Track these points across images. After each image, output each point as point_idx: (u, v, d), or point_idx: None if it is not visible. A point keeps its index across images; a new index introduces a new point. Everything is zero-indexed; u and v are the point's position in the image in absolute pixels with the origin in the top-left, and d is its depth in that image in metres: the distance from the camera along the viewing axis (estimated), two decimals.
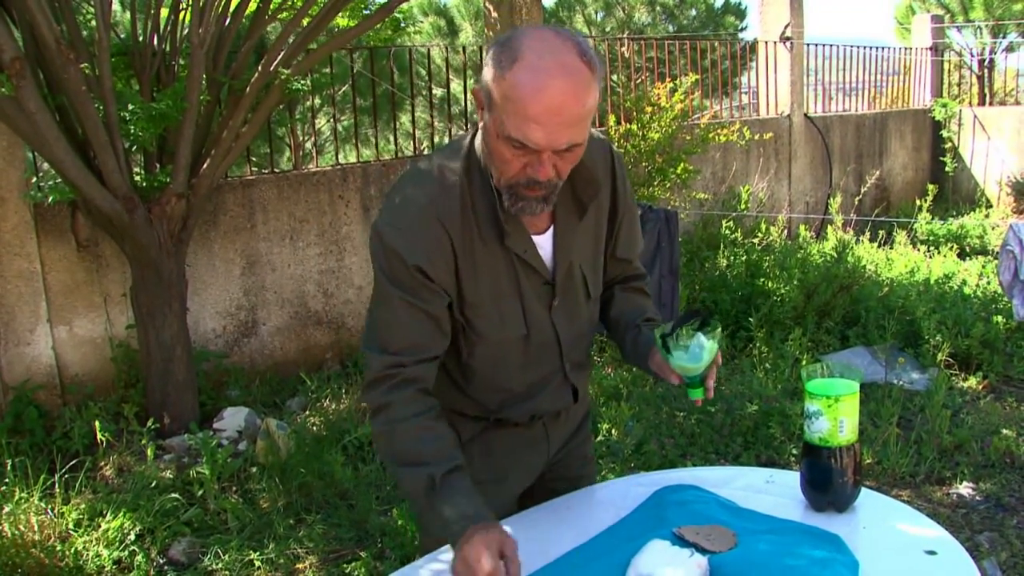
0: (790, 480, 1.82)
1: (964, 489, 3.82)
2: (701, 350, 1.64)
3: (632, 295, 1.93)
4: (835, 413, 1.66)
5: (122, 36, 5.13)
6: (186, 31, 4.51)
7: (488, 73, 1.49)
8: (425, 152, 7.24)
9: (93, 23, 4.10)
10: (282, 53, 4.37)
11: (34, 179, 4.64)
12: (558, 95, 1.42)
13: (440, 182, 1.62)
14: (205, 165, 4.38)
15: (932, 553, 1.55)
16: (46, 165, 4.42)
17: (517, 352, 1.74)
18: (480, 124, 1.59)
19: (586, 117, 1.48)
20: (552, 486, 1.94)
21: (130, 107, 4.08)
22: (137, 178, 4.32)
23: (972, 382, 4.99)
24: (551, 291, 1.72)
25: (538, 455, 1.90)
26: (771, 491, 1.82)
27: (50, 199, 4.33)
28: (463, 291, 1.65)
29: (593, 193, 1.70)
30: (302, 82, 4.79)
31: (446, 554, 1.65)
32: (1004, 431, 4.26)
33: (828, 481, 1.69)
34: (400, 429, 1.61)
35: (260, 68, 4.33)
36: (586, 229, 1.75)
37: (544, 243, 1.70)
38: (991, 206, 10.22)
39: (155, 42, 4.48)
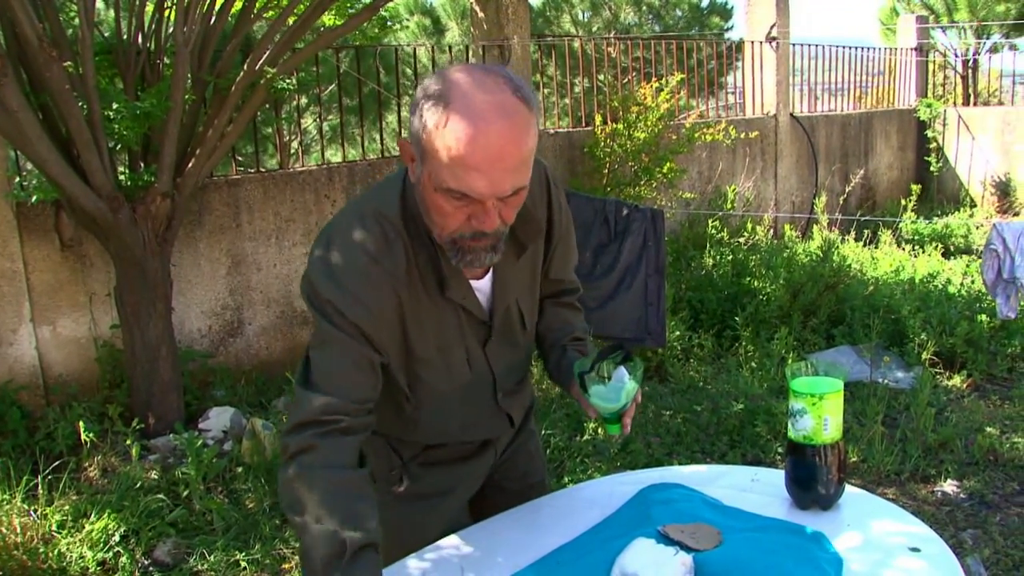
0: (775, 478, 1.83)
1: (948, 487, 3.84)
2: (620, 390, 1.62)
3: (561, 310, 1.88)
4: (819, 411, 1.67)
5: (106, 34, 5.09)
6: (171, 29, 4.48)
7: (417, 123, 1.38)
8: None
9: (76, 21, 4.07)
10: (268, 52, 4.35)
11: (17, 178, 4.60)
12: (498, 140, 1.33)
13: (383, 236, 1.51)
14: (190, 164, 4.36)
15: (916, 550, 1.56)
16: (29, 164, 4.39)
17: (457, 393, 1.70)
18: (412, 177, 1.48)
19: (529, 158, 1.39)
20: (502, 484, 1.93)
21: (114, 106, 4.05)
22: (122, 177, 4.30)
23: (956, 380, 5.02)
24: (487, 330, 1.68)
25: (483, 464, 1.87)
26: (756, 489, 1.83)
27: (33, 198, 4.30)
28: (412, 347, 1.59)
29: (535, 234, 1.64)
30: (288, 81, 4.77)
31: (431, 553, 1.65)
32: (988, 429, 4.29)
33: (813, 479, 1.70)
34: (322, 476, 1.43)
35: (246, 67, 4.31)
36: (523, 264, 1.69)
37: (482, 286, 1.64)
38: (975, 205, 10.28)
39: (139, 40, 4.45)
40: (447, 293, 1.57)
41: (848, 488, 1.76)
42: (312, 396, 1.47)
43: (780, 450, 4.13)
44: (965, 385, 4.99)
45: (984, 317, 5.37)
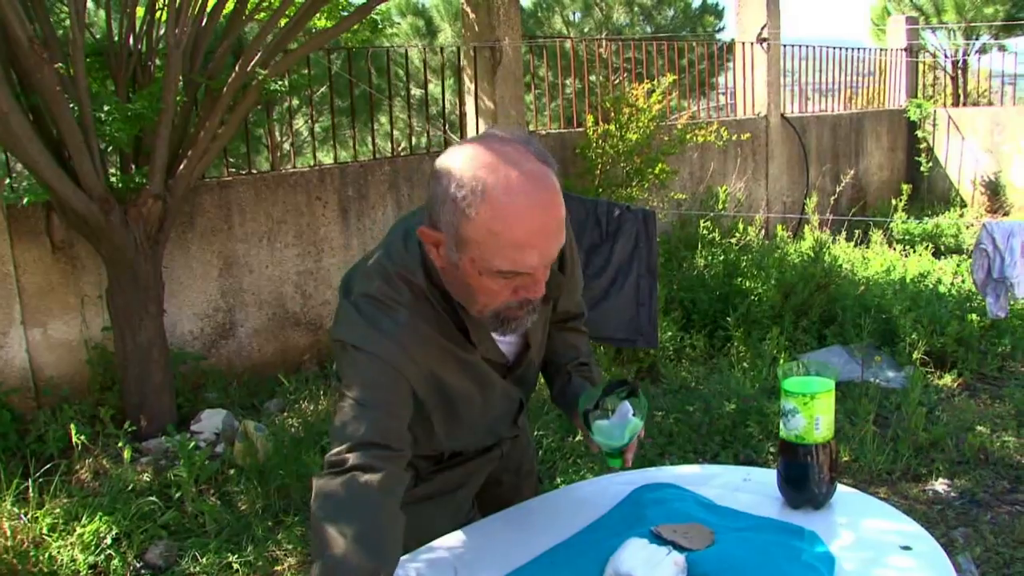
0: (767, 478, 1.83)
1: (939, 485, 3.86)
2: (623, 428, 1.62)
3: (567, 334, 1.89)
4: (811, 411, 1.67)
5: (97, 36, 5.09)
6: (162, 31, 4.48)
7: (451, 212, 1.35)
8: (402, 153, 7.24)
9: (67, 22, 4.06)
10: (259, 54, 4.35)
11: (8, 180, 4.59)
12: (544, 211, 1.34)
13: (412, 293, 1.50)
14: (182, 166, 4.35)
15: (907, 548, 1.57)
16: (20, 166, 4.38)
17: (483, 419, 1.76)
18: (439, 262, 1.45)
19: (564, 218, 1.39)
20: (500, 478, 1.97)
21: (106, 108, 4.05)
22: (113, 179, 4.29)
23: (947, 380, 5.04)
24: (505, 370, 1.70)
25: (491, 462, 1.93)
26: (748, 489, 1.83)
27: (24, 200, 4.29)
28: (450, 394, 1.61)
29: (558, 291, 1.65)
30: (279, 83, 4.77)
31: (425, 554, 1.65)
32: (979, 428, 4.31)
33: (805, 478, 1.71)
34: (371, 495, 1.38)
35: (237, 69, 4.31)
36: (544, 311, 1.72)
37: (508, 340, 1.66)
38: (965, 205, 10.32)
39: (131, 42, 4.44)
40: (478, 351, 1.58)
41: (840, 487, 1.77)
42: (371, 415, 1.44)
43: (772, 450, 4.14)
44: (956, 384, 5.01)
45: (974, 316, 5.40)
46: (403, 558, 1.64)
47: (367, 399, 1.45)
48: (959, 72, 12.39)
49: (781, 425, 1.72)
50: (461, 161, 1.36)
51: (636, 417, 1.63)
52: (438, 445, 1.76)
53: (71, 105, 3.92)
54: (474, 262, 1.38)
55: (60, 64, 3.89)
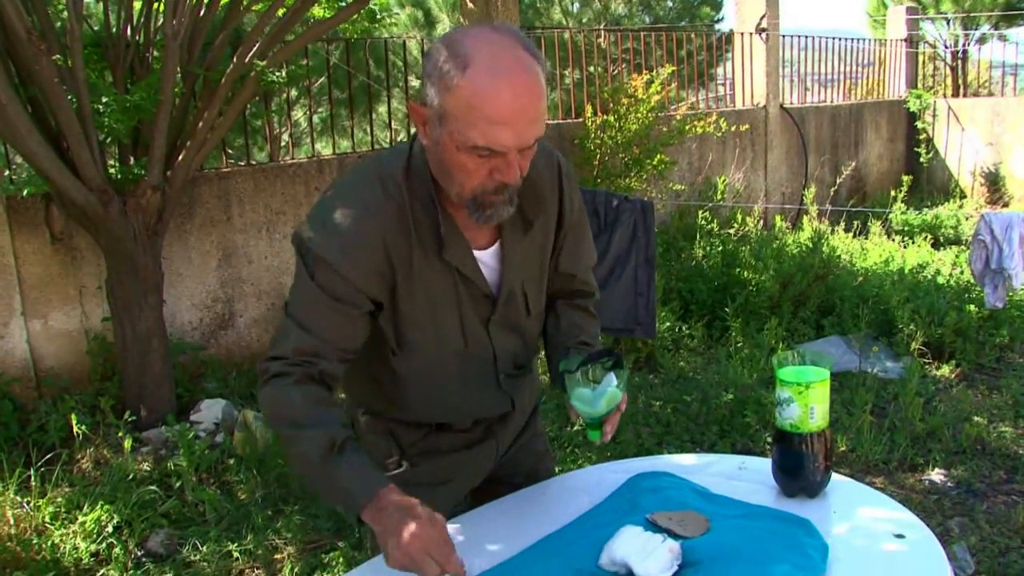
0: (762, 466, 1.84)
1: (936, 475, 3.88)
2: (601, 396, 1.62)
3: (573, 312, 1.87)
4: (806, 400, 1.68)
5: (95, 28, 5.08)
6: (160, 22, 4.48)
7: (436, 85, 1.42)
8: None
9: (65, 14, 4.06)
10: (257, 44, 4.35)
11: (7, 171, 4.60)
12: (523, 92, 1.39)
13: (383, 192, 1.56)
14: (180, 157, 4.35)
15: (900, 536, 1.58)
16: (19, 157, 4.39)
17: (453, 365, 1.70)
18: (425, 140, 1.51)
19: (544, 110, 1.45)
20: (510, 481, 1.91)
21: (104, 99, 4.05)
22: (112, 170, 4.29)
23: (945, 370, 5.06)
24: (491, 306, 1.68)
25: (485, 457, 1.87)
26: (743, 477, 1.84)
27: (24, 191, 4.29)
28: (399, 304, 1.61)
29: (539, 209, 1.67)
30: (277, 74, 4.77)
31: None
32: (976, 418, 4.33)
33: (799, 467, 1.72)
34: (299, 392, 1.53)
35: (235, 60, 4.31)
36: (532, 244, 1.71)
37: (488, 259, 1.66)
38: (965, 196, 10.32)
39: (128, 33, 4.44)
40: (445, 255, 1.58)
41: (834, 476, 1.78)
42: (295, 330, 1.56)
43: (769, 439, 4.15)
44: (953, 375, 5.03)
45: (973, 307, 5.41)
46: None
47: (300, 316, 1.56)
48: (959, 62, 12.37)
49: (776, 414, 1.73)
50: (452, 40, 1.43)
51: (615, 387, 1.62)
52: (403, 394, 1.72)
53: (69, 97, 3.93)
54: (453, 136, 1.42)
55: (58, 56, 3.89)
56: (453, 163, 1.46)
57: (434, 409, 1.77)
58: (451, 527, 1.71)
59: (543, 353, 1.93)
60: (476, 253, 1.63)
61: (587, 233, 1.87)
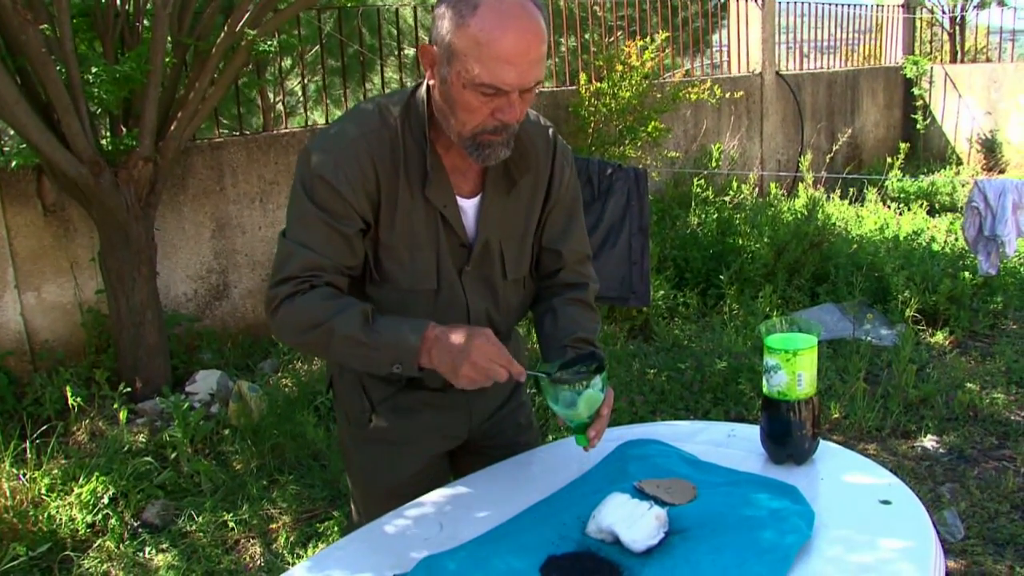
0: (751, 434, 1.85)
1: (928, 442, 3.90)
2: (578, 399, 1.60)
3: (571, 309, 1.85)
4: (793, 367, 1.69)
5: None
6: None
7: (445, 26, 1.51)
8: None
9: None
10: (248, 13, 4.31)
11: None
12: (527, 34, 1.48)
13: (380, 121, 1.65)
14: (172, 128, 4.33)
15: (886, 503, 1.59)
16: (10, 129, 4.36)
17: (424, 306, 1.72)
18: (431, 81, 1.60)
19: (545, 54, 1.54)
20: (490, 453, 1.91)
21: (93, 70, 4.02)
22: (103, 142, 4.27)
23: (939, 337, 5.07)
24: (466, 255, 1.73)
25: (456, 422, 1.87)
26: (732, 444, 1.85)
27: (13, 163, 4.27)
28: (379, 231, 1.67)
29: (524, 170, 1.72)
30: (269, 43, 4.73)
31: (410, 510, 1.67)
32: (968, 385, 4.35)
33: (787, 434, 1.72)
34: (316, 295, 1.61)
35: (226, 29, 4.27)
36: (515, 206, 1.76)
37: (469, 208, 1.72)
38: (961, 163, 10.29)
39: (118, 3, 4.40)
40: (427, 191, 1.65)
41: (822, 443, 1.79)
42: (298, 250, 1.62)
43: None
44: (947, 342, 5.04)
45: (967, 274, 5.41)
46: (387, 514, 1.67)
47: (301, 237, 1.63)
48: (956, 28, 12.28)
49: (764, 381, 1.74)
50: None
51: (593, 390, 1.60)
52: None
53: (58, 67, 3.90)
54: (459, 75, 1.51)
55: (45, 25, 3.86)
56: (458, 101, 1.54)
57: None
58: (441, 495, 1.73)
59: (539, 351, 1.91)
60: (459, 200, 1.70)
61: (579, 218, 1.88)
